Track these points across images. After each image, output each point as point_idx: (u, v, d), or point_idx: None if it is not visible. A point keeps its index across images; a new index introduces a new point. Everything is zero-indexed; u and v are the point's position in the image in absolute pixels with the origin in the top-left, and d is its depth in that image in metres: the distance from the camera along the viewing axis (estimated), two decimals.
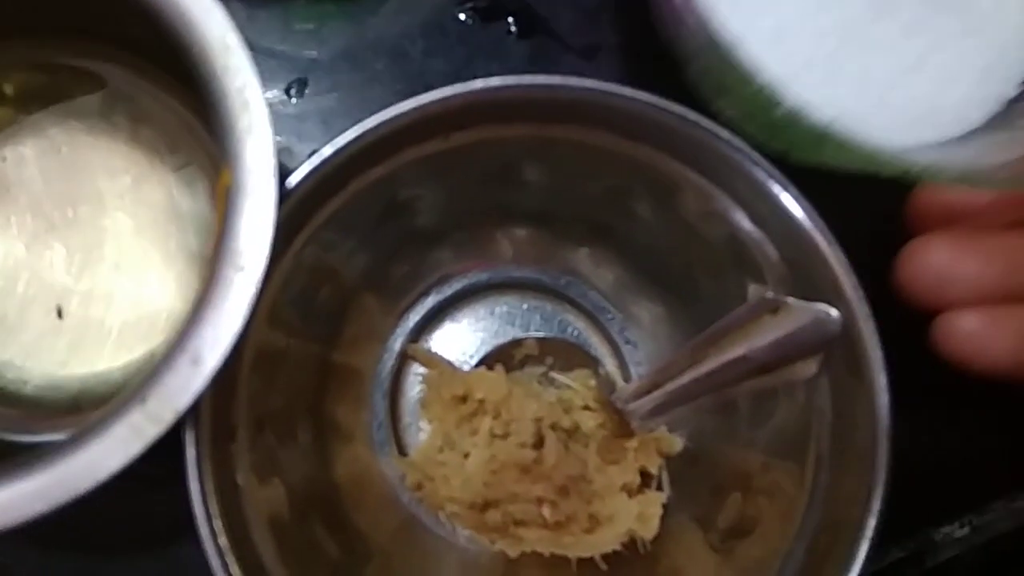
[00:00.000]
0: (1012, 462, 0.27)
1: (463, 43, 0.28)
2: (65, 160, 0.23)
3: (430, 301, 0.26)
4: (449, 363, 0.25)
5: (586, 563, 0.23)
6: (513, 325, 0.27)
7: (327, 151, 0.19)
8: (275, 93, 0.27)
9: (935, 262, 0.19)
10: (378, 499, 0.24)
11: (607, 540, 0.22)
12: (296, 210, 0.19)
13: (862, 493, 0.19)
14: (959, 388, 0.27)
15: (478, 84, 0.19)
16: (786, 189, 0.20)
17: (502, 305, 0.27)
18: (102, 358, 0.23)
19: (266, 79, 0.26)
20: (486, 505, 0.22)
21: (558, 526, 0.22)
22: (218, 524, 0.17)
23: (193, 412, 0.17)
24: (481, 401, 0.23)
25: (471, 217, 0.25)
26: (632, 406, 0.23)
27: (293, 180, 0.18)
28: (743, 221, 0.22)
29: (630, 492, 0.23)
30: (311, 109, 0.28)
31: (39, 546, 0.24)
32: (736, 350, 0.21)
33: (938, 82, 0.20)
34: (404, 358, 0.25)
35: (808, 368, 0.21)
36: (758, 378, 0.21)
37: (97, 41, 0.23)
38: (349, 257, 0.23)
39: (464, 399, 0.24)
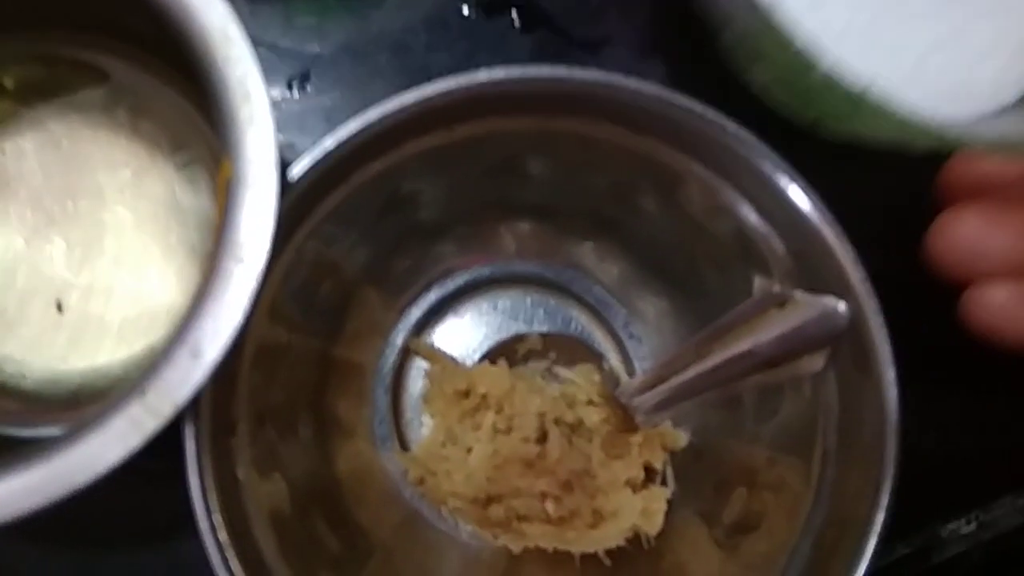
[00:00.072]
0: (1019, 458, 0.27)
1: (466, 37, 0.28)
2: (65, 154, 0.23)
3: (432, 296, 0.26)
4: (452, 358, 0.25)
5: (589, 559, 0.23)
6: (516, 320, 0.26)
7: (329, 143, 0.18)
8: (277, 88, 0.27)
9: (966, 234, 0.19)
10: (380, 494, 0.24)
11: (611, 535, 0.22)
12: (297, 203, 0.19)
13: (870, 488, 0.19)
14: (966, 383, 0.27)
15: (482, 76, 0.19)
16: (794, 181, 0.20)
17: (505, 300, 0.26)
18: (102, 352, 0.23)
19: (268, 74, 0.26)
20: (489, 500, 0.22)
21: (561, 521, 0.22)
22: (218, 519, 0.17)
23: (193, 406, 0.17)
24: (484, 396, 0.23)
25: (474, 211, 0.25)
26: (636, 401, 0.23)
27: (294, 172, 0.18)
28: (749, 214, 0.21)
29: (634, 487, 0.23)
30: (313, 104, 0.27)
31: (38, 541, 0.24)
32: (742, 344, 0.20)
33: (973, 56, 0.20)
34: (406, 353, 0.25)
35: (815, 362, 0.21)
36: (764, 373, 0.21)
37: (97, 33, 0.23)
38: (350, 251, 0.23)
39: (467, 394, 0.23)
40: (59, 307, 0.23)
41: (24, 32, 0.23)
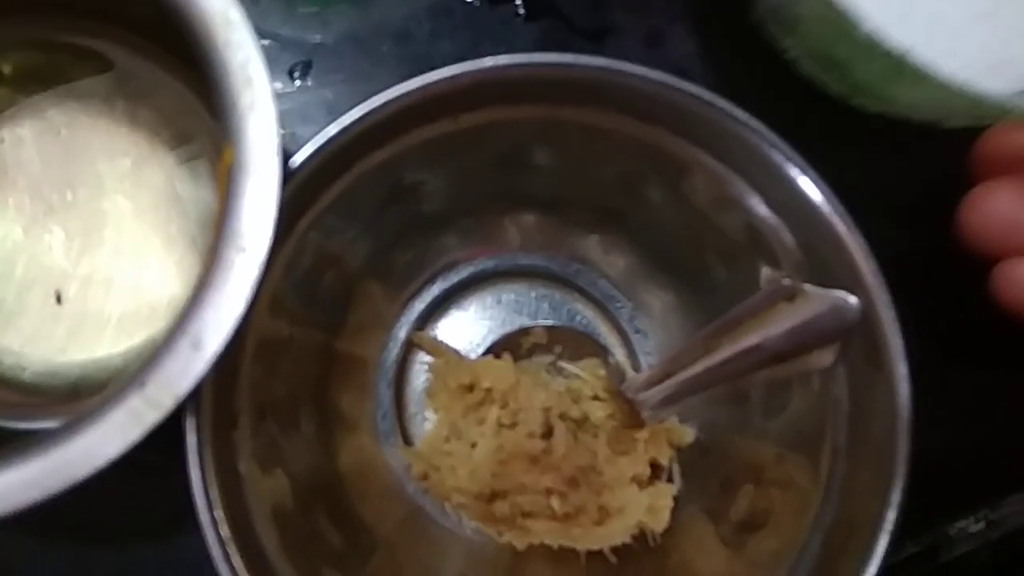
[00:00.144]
0: None
1: (470, 26, 0.28)
2: (64, 142, 0.23)
3: (436, 289, 0.25)
4: (455, 351, 0.25)
5: (594, 556, 0.22)
6: (520, 313, 0.26)
7: (332, 130, 0.18)
8: (279, 78, 0.27)
9: (999, 207, 0.19)
10: (383, 490, 0.24)
11: (617, 532, 0.22)
12: (299, 192, 0.18)
13: (880, 486, 0.19)
14: (976, 380, 0.26)
15: (487, 62, 0.19)
16: (804, 172, 0.19)
17: (509, 293, 0.26)
18: (102, 344, 0.22)
19: (269, 64, 0.26)
20: (493, 496, 0.22)
21: (567, 518, 0.21)
22: (219, 513, 0.17)
23: (194, 398, 0.16)
24: (488, 390, 0.23)
25: (478, 203, 0.25)
26: (643, 396, 0.22)
27: (297, 160, 0.18)
28: (758, 206, 0.21)
29: (640, 484, 0.23)
30: (315, 94, 0.27)
31: (35, 534, 0.24)
32: (750, 338, 0.20)
33: (1010, 33, 0.20)
34: (409, 346, 0.25)
35: (825, 357, 0.20)
36: (773, 367, 0.20)
37: (98, 19, 0.22)
38: (353, 243, 0.23)
39: (471, 388, 0.23)
40: (58, 298, 0.22)
41: (23, 17, 0.22)
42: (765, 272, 0.22)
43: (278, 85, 0.26)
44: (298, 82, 0.27)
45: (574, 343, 0.25)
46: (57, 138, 0.23)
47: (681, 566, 0.23)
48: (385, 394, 0.24)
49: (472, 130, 0.21)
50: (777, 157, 0.20)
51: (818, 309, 0.19)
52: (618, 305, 0.26)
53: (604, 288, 0.26)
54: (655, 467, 0.23)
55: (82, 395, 0.22)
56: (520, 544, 0.22)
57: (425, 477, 0.22)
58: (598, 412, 0.23)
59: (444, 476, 0.22)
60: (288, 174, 0.17)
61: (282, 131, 0.17)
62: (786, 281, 0.20)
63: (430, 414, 0.24)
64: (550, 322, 0.25)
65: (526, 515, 0.22)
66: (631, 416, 0.23)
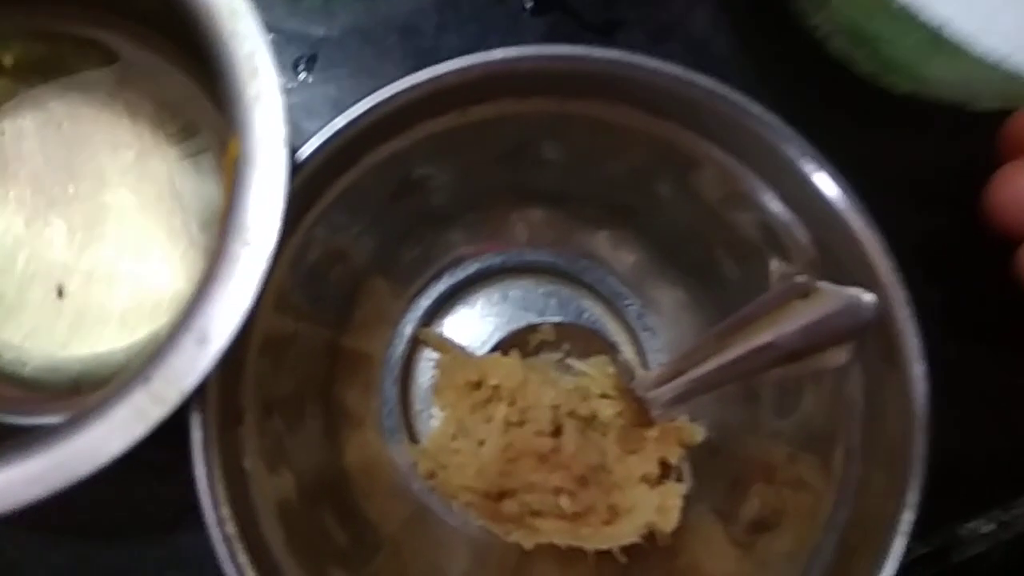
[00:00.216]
0: None
1: (477, 19, 0.27)
2: (66, 135, 0.23)
3: (442, 285, 0.25)
4: (462, 348, 0.24)
5: (603, 555, 0.22)
6: (528, 310, 0.26)
7: (340, 123, 0.18)
8: (283, 71, 0.26)
9: None
10: (388, 487, 0.24)
11: (626, 532, 0.21)
12: (306, 185, 0.18)
13: (896, 487, 0.18)
14: (988, 380, 0.26)
15: (498, 54, 0.19)
16: (821, 168, 0.19)
17: (516, 289, 0.26)
18: (104, 339, 0.22)
19: (274, 55, 0.26)
20: (502, 495, 0.21)
21: (576, 517, 0.21)
22: (225, 511, 0.17)
23: (199, 394, 0.16)
24: (496, 387, 0.22)
25: (486, 198, 0.24)
26: (653, 394, 0.22)
27: (304, 153, 0.18)
28: (772, 202, 0.21)
29: (649, 483, 0.22)
30: (320, 88, 0.27)
31: (37, 531, 0.24)
32: (763, 336, 0.20)
33: None
34: (415, 343, 0.25)
35: (839, 356, 0.20)
36: (786, 366, 0.20)
37: (101, 9, 0.22)
38: (359, 238, 0.22)
39: (478, 385, 0.23)
40: (60, 292, 0.22)
41: (25, 7, 0.22)
42: (777, 268, 0.22)
43: (282, 76, 0.26)
44: (303, 76, 0.26)
45: (582, 340, 0.25)
46: (59, 130, 0.23)
47: (690, 567, 0.22)
48: (391, 391, 0.24)
49: (480, 124, 0.21)
50: (792, 152, 0.19)
51: (833, 307, 0.19)
52: (626, 302, 0.25)
53: (612, 285, 0.25)
54: (664, 466, 0.23)
55: (83, 390, 0.22)
56: (528, 543, 0.22)
57: (432, 475, 0.22)
58: (607, 410, 0.23)
59: (451, 474, 0.21)
60: (295, 167, 0.17)
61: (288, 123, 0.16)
62: (800, 278, 0.20)
63: (436, 411, 0.24)
64: (558, 319, 0.25)
65: (535, 514, 0.21)
66: (640, 414, 0.23)
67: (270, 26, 0.27)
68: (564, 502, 0.21)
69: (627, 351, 0.25)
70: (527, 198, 0.25)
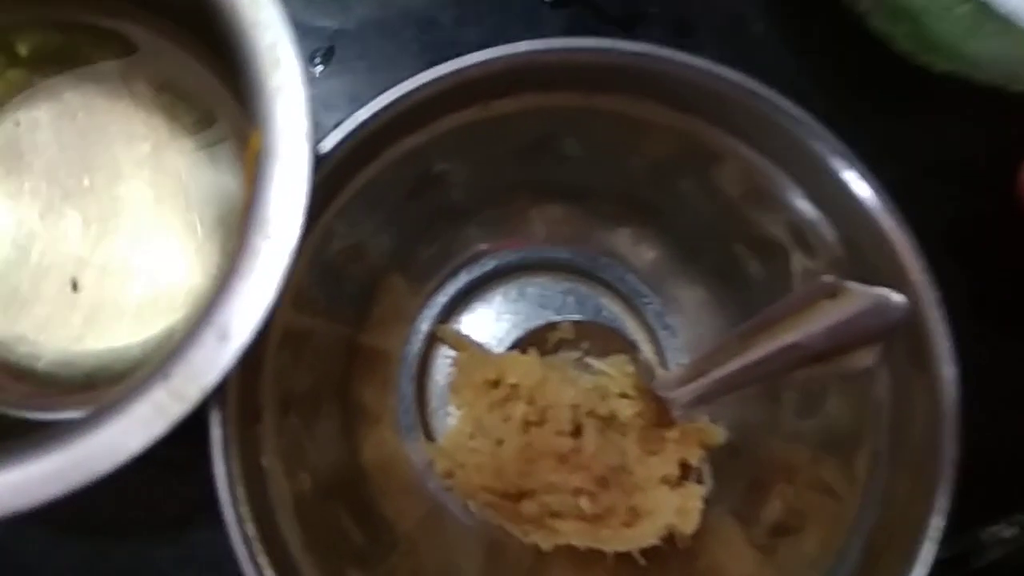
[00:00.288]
0: None
1: (496, 12, 0.27)
2: (81, 126, 0.22)
3: (460, 281, 0.25)
4: (480, 346, 0.24)
5: (622, 557, 0.22)
6: (545, 308, 0.25)
7: (363, 115, 0.17)
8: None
9: None
10: (404, 485, 0.23)
11: (646, 534, 0.21)
12: (327, 180, 0.18)
13: (925, 492, 0.18)
14: (1014, 379, 0.25)
15: (524, 46, 0.18)
16: (851, 165, 0.19)
17: (534, 287, 0.25)
18: (119, 334, 0.22)
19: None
20: (520, 495, 0.21)
21: (596, 519, 0.21)
22: (244, 510, 0.16)
23: (219, 391, 0.16)
24: (514, 386, 0.22)
25: (505, 193, 0.24)
26: (674, 394, 0.22)
27: (327, 145, 0.17)
28: (799, 200, 0.20)
29: (669, 484, 0.22)
30: (337, 80, 0.26)
31: (48, 528, 0.23)
32: (789, 336, 0.19)
33: None
34: (432, 340, 0.24)
35: (866, 358, 0.20)
36: (812, 367, 0.20)
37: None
38: (377, 234, 0.22)
39: (496, 384, 0.22)
40: (74, 286, 0.22)
41: None
42: (803, 267, 0.21)
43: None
44: (319, 69, 0.26)
45: (601, 339, 0.24)
46: (74, 122, 0.22)
47: (710, 569, 0.22)
48: (407, 389, 0.24)
49: (502, 118, 0.21)
50: (822, 149, 0.19)
51: (861, 307, 0.19)
52: (646, 300, 0.25)
53: (632, 283, 0.25)
54: (684, 467, 0.23)
55: (98, 386, 0.21)
56: (546, 545, 0.21)
57: (450, 475, 0.22)
58: (626, 410, 0.23)
59: (470, 474, 0.21)
60: (317, 160, 0.17)
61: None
62: (827, 278, 0.19)
63: (453, 409, 0.24)
64: (577, 317, 0.25)
65: (554, 515, 0.21)
66: (660, 415, 0.22)
67: (288, 18, 0.26)
68: (584, 503, 0.21)
69: (646, 350, 0.25)
70: (546, 194, 0.24)
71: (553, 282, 0.25)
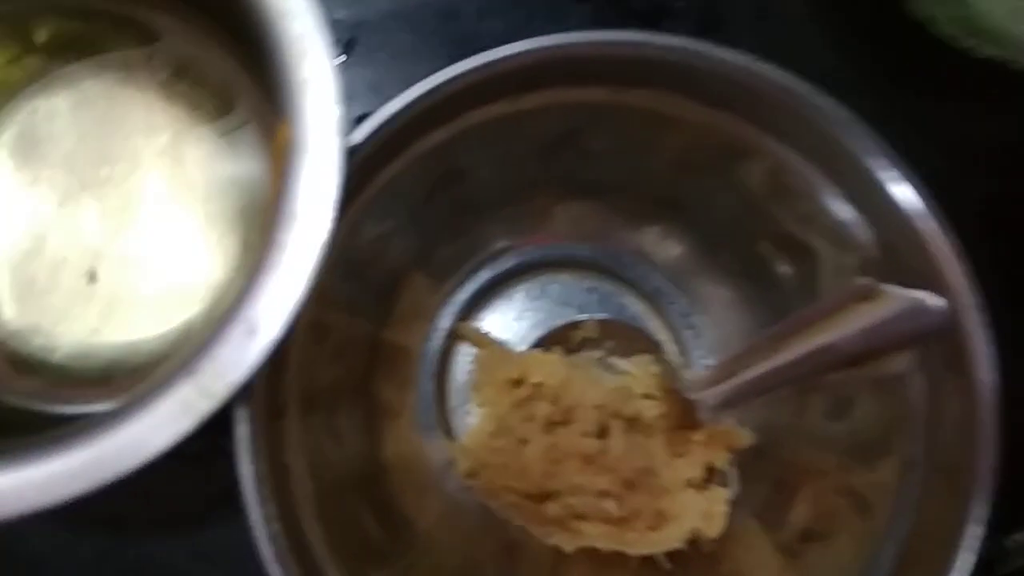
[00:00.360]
0: None
1: (520, 4, 0.27)
2: (100, 115, 0.22)
3: (481, 278, 0.24)
4: (502, 344, 0.24)
5: (645, 560, 0.21)
6: (568, 305, 0.25)
7: (393, 107, 0.17)
8: None
9: None
10: (423, 483, 0.23)
11: (671, 538, 0.21)
12: (355, 173, 0.17)
13: (961, 500, 0.18)
14: None
15: (556, 39, 0.18)
16: (891, 165, 0.18)
17: (556, 284, 0.25)
18: (136, 327, 0.21)
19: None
20: (544, 496, 0.21)
21: (622, 521, 0.20)
22: (271, 508, 0.16)
23: (246, 388, 0.15)
24: (537, 385, 0.22)
25: (528, 189, 0.23)
26: (702, 396, 0.21)
27: (357, 138, 0.17)
28: (833, 199, 0.20)
29: (695, 487, 0.22)
30: (358, 71, 0.26)
31: (63, 522, 0.23)
32: (822, 338, 0.19)
33: None
34: (453, 337, 0.24)
35: (902, 362, 0.19)
36: (845, 371, 0.19)
37: None
38: (400, 229, 0.21)
39: (519, 383, 0.22)
40: (91, 277, 0.21)
41: None
42: (836, 268, 0.21)
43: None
44: (341, 59, 0.26)
45: (625, 338, 0.24)
46: (93, 110, 0.22)
47: (733, 573, 0.22)
48: (427, 386, 0.23)
49: (529, 112, 0.20)
50: (861, 148, 0.18)
51: (898, 310, 0.18)
52: (670, 299, 0.25)
53: (656, 282, 0.25)
54: (708, 470, 0.22)
55: (115, 379, 0.21)
56: (569, 547, 0.21)
57: (473, 474, 0.22)
58: (650, 411, 0.22)
59: (493, 474, 0.21)
60: (348, 153, 0.16)
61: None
62: (864, 280, 0.19)
63: (473, 408, 0.23)
64: (600, 315, 0.24)
65: (578, 517, 0.21)
66: (685, 416, 0.22)
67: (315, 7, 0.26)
68: (610, 506, 0.20)
69: (669, 350, 0.24)
70: (570, 190, 0.24)
71: (575, 280, 0.25)
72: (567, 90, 0.20)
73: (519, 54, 0.18)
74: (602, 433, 0.21)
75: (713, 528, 0.21)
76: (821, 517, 0.21)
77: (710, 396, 0.21)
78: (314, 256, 0.15)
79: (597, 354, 0.24)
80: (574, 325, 0.24)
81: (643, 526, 0.21)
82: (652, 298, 0.25)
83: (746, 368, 0.20)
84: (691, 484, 0.21)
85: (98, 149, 0.22)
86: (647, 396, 0.23)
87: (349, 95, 0.26)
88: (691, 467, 0.21)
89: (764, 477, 0.23)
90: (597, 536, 0.21)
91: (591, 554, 0.22)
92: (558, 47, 0.18)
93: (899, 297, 0.19)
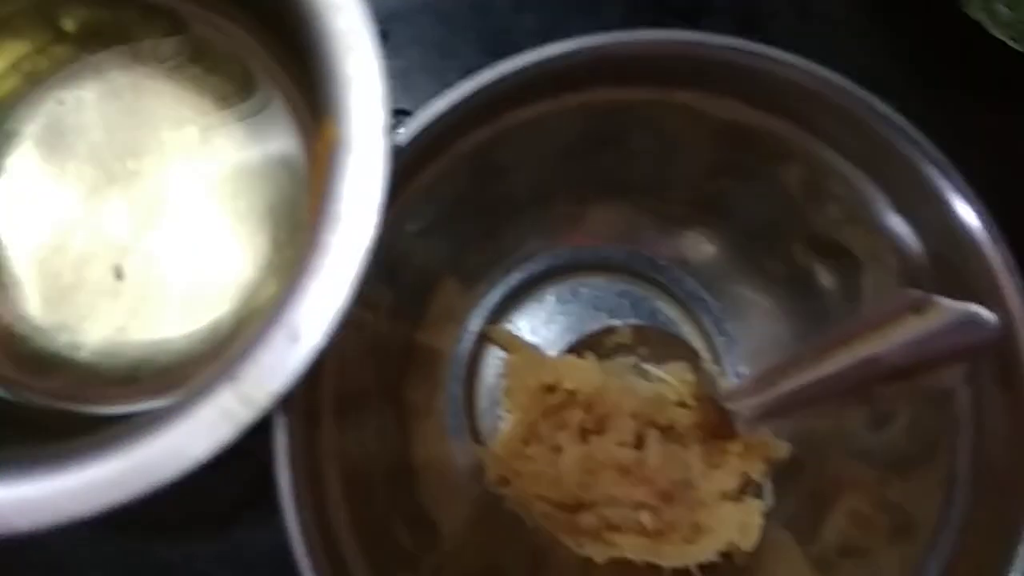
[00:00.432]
0: None
1: None
2: (128, 107, 0.21)
3: (513, 279, 0.24)
4: (534, 347, 0.23)
5: (677, 573, 0.21)
6: (599, 309, 0.24)
7: (440, 107, 0.16)
8: None
9: None
10: (451, 487, 0.22)
11: (706, 550, 0.20)
12: (398, 172, 0.17)
13: (1011, 519, 0.17)
14: None
15: (608, 38, 0.17)
16: (947, 176, 0.18)
17: (588, 287, 0.24)
18: (163, 325, 0.21)
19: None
20: (578, 506, 0.20)
21: (657, 534, 0.20)
22: (308, 516, 0.15)
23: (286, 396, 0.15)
24: (571, 392, 0.21)
25: (563, 189, 0.23)
26: (741, 406, 0.21)
27: (402, 138, 0.16)
28: (882, 207, 0.19)
29: (730, 499, 0.21)
30: (390, 64, 0.25)
31: (85, 523, 0.23)
32: (868, 349, 0.19)
33: None
34: (483, 340, 0.23)
35: (950, 376, 0.19)
36: (891, 384, 0.19)
37: None
38: (436, 229, 0.21)
39: (552, 389, 0.22)
40: (118, 273, 0.21)
41: None
42: (882, 279, 0.20)
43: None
44: None
45: (660, 344, 0.23)
46: (120, 102, 0.21)
47: None
48: (456, 389, 0.23)
49: (572, 111, 0.20)
50: (916, 157, 0.18)
51: (948, 322, 0.18)
52: (705, 307, 0.24)
53: (690, 287, 0.24)
54: (743, 481, 0.22)
55: (141, 379, 0.21)
56: (601, 557, 0.21)
57: (505, 482, 0.21)
58: (684, 419, 0.22)
59: (526, 483, 0.20)
60: (394, 152, 0.16)
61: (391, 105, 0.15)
62: (914, 291, 0.18)
63: (502, 412, 0.23)
64: (638, 321, 0.24)
65: (612, 528, 0.20)
66: (720, 426, 0.22)
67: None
68: (646, 518, 0.20)
69: (703, 357, 0.24)
70: (605, 191, 0.23)
71: (608, 283, 0.24)
72: (611, 89, 0.19)
73: (569, 53, 0.17)
74: (638, 443, 0.21)
75: (748, 541, 0.21)
76: (859, 532, 0.21)
77: (749, 407, 0.21)
78: (359, 261, 0.14)
79: (630, 360, 0.23)
80: (608, 330, 0.23)
81: (679, 539, 0.20)
82: (685, 303, 0.24)
83: (788, 379, 0.20)
84: (726, 496, 0.21)
85: (125, 141, 0.21)
86: (681, 404, 0.22)
87: None
88: (727, 478, 0.21)
89: (798, 488, 0.22)
90: (631, 548, 0.20)
91: (622, 564, 0.21)
92: (610, 46, 0.17)
93: (950, 310, 0.18)
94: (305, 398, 0.16)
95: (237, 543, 0.23)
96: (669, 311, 0.24)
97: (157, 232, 0.21)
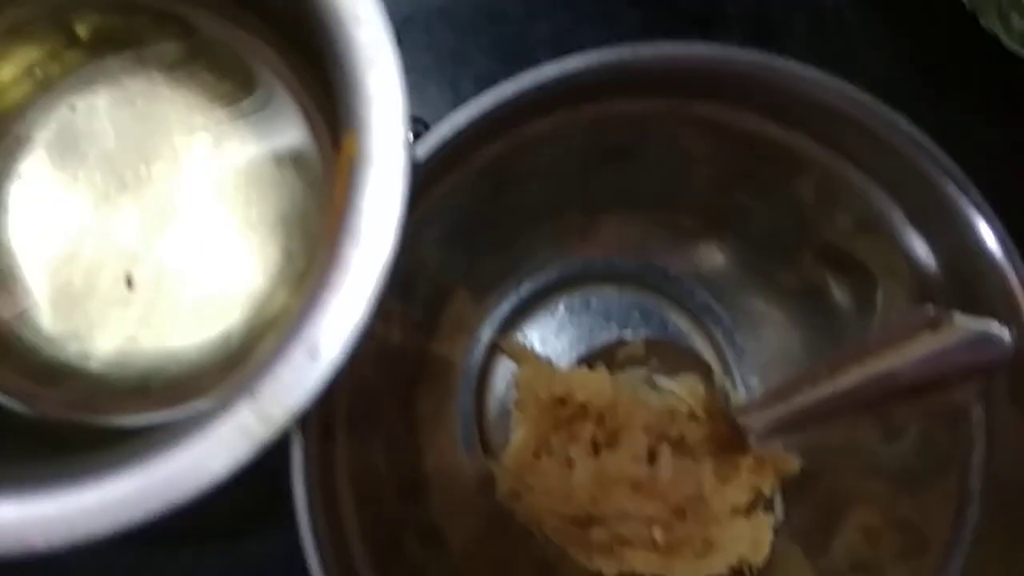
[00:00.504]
0: None
1: (568, 6, 0.26)
2: (140, 113, 0.21)
3: (523, 290, 0.24)
4: (545, 359, 0.23)
5: None
6: (610, 320, 0.24)
7: (459, 121, 0.16)
8: None
9: None
10: (460, 499, 0.22)
11: (716, 565, 0.20)
12: (416, 186, 0.17)
13: (1020, 538, 0.17)
14: None
15: (627, 50, 0.17)
16: (965, 191, 0.18)
17: (599, 298, 0.24)
18: (175, 334, 0.21)
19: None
20: (590, 521, 0.20)
21: (669, 549, 0.20)
22: (324, 532, 0.15)
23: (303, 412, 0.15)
24: (583, 405, 0.21)
25: (576, 200, 0.23)
26: (753, 420, 0.21)
27: (421, 152, 0.16)
28: (897, 221, 0.19)
29: (741, 514, 0.21)
30: (404, 70, 0.25)
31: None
32: (883, 365, 0.19)
33: None
34: (493, 350, 0.23)
35: (964, 393, 0.19)
36: (905, 401, 0.19)
37: None
38: (448, 240, 0.21)
39: (563, 401, 0.21)
40: (128, 282, 0.21)
41: None
42: (895, 295, 0.20)
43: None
44: None
45: (671, 357, 0.23)
46: (132, 109, 0.21)
47: None
48: (467, 400, 0.23)
49: (588, 122, 0.19)
50: (934, 170, 0.18)
51: (964, 339, 0.18)
52: (716, 320, 0.24)
53: (702, 299, 0.24)
54: (753, 495, 0.22)
55: (152, 389, 0.20)
56: (611, 572, 0.21)
57: (516, 496, 0.21)
58: (696, 433, 0.22)
59: (538, 497, 0.20)
60: (413, 166, 0.16)
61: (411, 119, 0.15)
62: (929, 308, 0.18)
63: (512, 424, 0.23)
64: (649, 333, 0.24)
65: (623, 543, 0.20)
66: (731, 439, 0.21)
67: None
68: (658, 534, 0.20)
69: (714, 370, 0.24)
70: (620, 202, 0.23)
71: (619, 294, 0.24)
72: (629, 101, 0.19)
73: (590, 67, 0.17)
74: (650, 457, 0.21)
75: (758, 556, 0.21)
76: (869, 547, 0.21)
77: (761, 421, 0.21)
78: (378, 277, 0.14)
79: (642, 373, 0.23)
80: (619, 342, 0.23)
81: (691, 554, 0.20)
82: (696, 316, 0.24)
83: (801, 394, 0.20)
84: (737, 511, 0.21)
85: (137, 148, 0.21)
86: (692, 417, 0.22)
87: None
88: (739, 493, 0.21)
89: (809, 503, 0.22)
90: (642, 563, 0.20)
91: None
92: (630, 60, 0.17)
93: (966, 327, 0.18)
94: (320, 412, 0.16)
95: (248, 554, 0.23)
96: (680, 323, 0.24)
97: (168, 240, 0.21)
